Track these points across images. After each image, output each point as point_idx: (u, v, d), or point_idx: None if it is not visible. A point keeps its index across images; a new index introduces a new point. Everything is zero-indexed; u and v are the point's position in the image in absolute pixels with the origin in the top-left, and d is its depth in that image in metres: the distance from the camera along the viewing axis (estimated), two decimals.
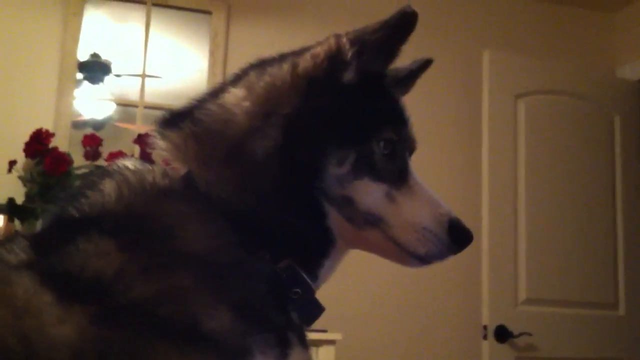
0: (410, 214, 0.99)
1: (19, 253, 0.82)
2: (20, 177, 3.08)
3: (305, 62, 0.99)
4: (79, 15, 3.61)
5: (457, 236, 1.00)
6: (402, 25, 0.98)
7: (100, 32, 3.77)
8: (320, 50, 1.00)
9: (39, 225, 0.90)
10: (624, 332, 3.73)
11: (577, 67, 4.12)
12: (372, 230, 0.99)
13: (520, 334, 3.45)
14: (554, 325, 3.58)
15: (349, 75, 0.98)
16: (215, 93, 1.01)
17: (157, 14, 3.77)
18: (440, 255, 1.00)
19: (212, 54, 3.74)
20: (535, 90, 3.80)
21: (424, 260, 1.00)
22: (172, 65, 3.85)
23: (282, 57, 1.02)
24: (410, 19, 0.98)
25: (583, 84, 3.91)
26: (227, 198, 0.91)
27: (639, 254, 3.85)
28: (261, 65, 1.03)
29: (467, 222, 1.03)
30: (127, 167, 0.92)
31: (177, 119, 0.99)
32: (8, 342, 0.73)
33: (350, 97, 0.98)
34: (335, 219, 0.96)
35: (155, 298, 0.78)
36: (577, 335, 3.63)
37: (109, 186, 0.89)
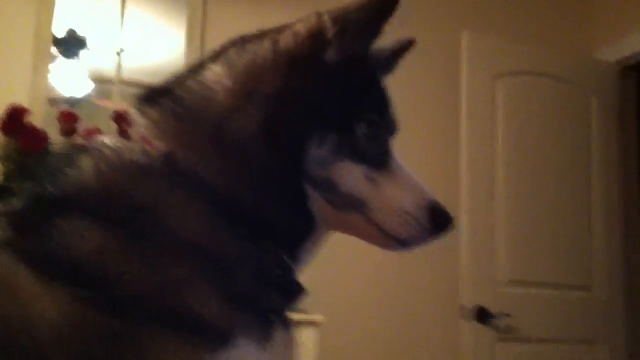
0: (392, 198, 0.98)
1: None
2: None
3: (286, 39, 0.97)
4: None
5: (437, 220, 1.00)
6: (384, 4, 0.97)
7: (76, 7, 3.72)
8: (301, 28, 0.98)
9: (17, 203, 0.88)
10: (598, 312, 3.78)
11: (555, 48, 4.13)
12: (354, 214, 0.98)
13: (499, 315, 3.48)
14: (532, 306, 3.62)
15: (330, 55, 0.96)
16: (195, 70, 0.99)
17: None
18: (421, 240, 1.00)
19: (189, 29, 3.70)
20: (514, 71, 3.80)
21: (405, 244, 1.00)
22: (149, 41, 3.81)
23: (262, 34, 1.00)
24: None
25: (561, 65, 3.93)
26: (209, 178, 0.90)
27: (614, 236, 3.89)
28: (241, 42, 1.01)
29: (446, 204, 1.03)
30: (105, 144, 0.91)
31: (156, 96, 0.97)
32: None
33: (332, 77, 0.97)
34: (317, 201, 0.96)
35: (136, 277, 0.77)
36: (555, 316, 3.66)
37: (86, 163, 0.88)
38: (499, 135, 3.70)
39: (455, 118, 3.73)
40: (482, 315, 3.48)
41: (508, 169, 3.69)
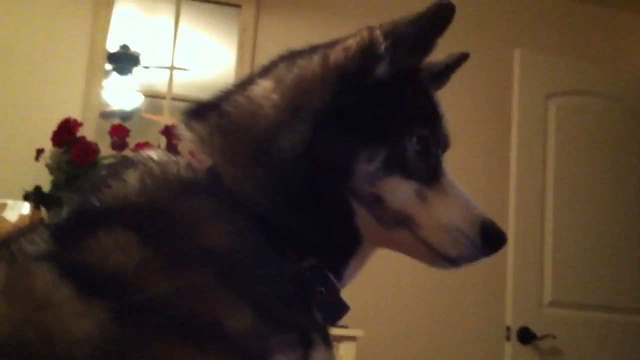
0: (441, 214, 0.96)
1: (40, 243, 0.80)
2: (47, 166, 3.10)
3: (336, 54, 0.96)
4: (108, 6, 3.62)
5: (490, 238, 0.97)
6: (438, 18, 0.95)
7: (130, 24, 3.79)
8: (352, 43, 0.96)
9: (62, 214, 0.89)
10: None
11: (608, 68, 4.06)
12: (402, 231, 0.96)
13: (544, 337, 3.41)
14: (578, 328, 3.54)
15: (382, 69, 0.95)
16: (243, 85, 0.98)
17: (186, 7, 3.78)
18: (471, 258, 0.97)
19: (240, 47, 3.73)
20: (566, 91, 3.75)
21: (454, 262, 0.97)
22: (201, 58, 3.86)
23: (312, 49, 0.99)
24: (446, 11, 0.94)
25: (614, 85, 3.85)
26: (254, 195, 0.89)
27: None
28: (291, 57, 0.99)
29: None
30: (151, 158, 0.90)
31: (203, 111, 0.97)
32: (27, 335, 0.72)
33: (383, 92, 0.95)
34: (363, 218, 0.94)
35: (177, 296, 0.76)
36: (602, 339, 3.57)
37: (132, 177, 0.87)
38: (550, 155, 3.64)
39: (506, 136, 3.68)
40: (526, 336, 3.41)
41: (558, 189, 3.62)
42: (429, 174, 0.97)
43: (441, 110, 1.02)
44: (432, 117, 1.00)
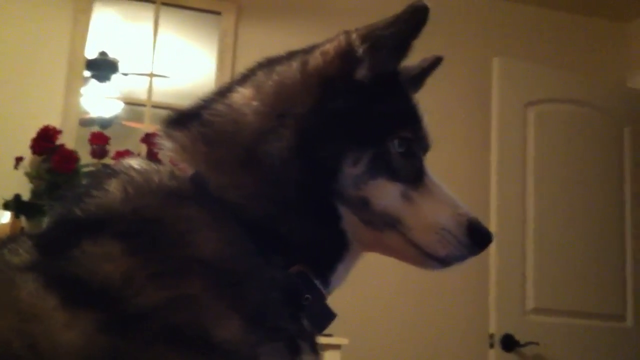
0: (428, 215, 0.96)
1: (23, 254, 0.80)
2: (26, 174, 3.08)
3: (315, 59, 0.97)
4: (87, 13, 3.60)
5: (477, 237, 0.98)
6: (413, 20, 0.95)
7: (109, 31, 3.77)
8: (329, 48, 0.97)
9: (45, 223, 0.88)
10: (631, 344, 3.70)
11: (588, 76, 4.10)
12: (390, 233, 0.96)
13: (527, 344, 3.42)
14: (562, 335, 3.55)
15: (361, 73, 0.96)
16: (222, 93, 0.98)
17: (166, 14, 3.77)
18: (460, 257, 0.98)
19: (220, 54, 3.73)
20: (546, 99, 3.77)
21: (443, 262, 0.98)
22: (181, 65, 3.85)
23: (290, 56, 1.00)
24: (421, 13, 0.95)
25: (594, 93, 3.88)
26: (241, 202, 0.88)
27: None
28: (269, 64, 1.00)
29: None
30: (132, 167, 0.90)
31: (184, 120, 0.97)
32: (13, 346, 0.71)
33: (364, 95, 0.96)
34: (350, 222, 0.94)
35: (166, 306, 0.75)
36: (584, 346, 3.59)
37: (114, 186, 0.87)
38: (530, 163, 3.66)
39: (486, 145, 3.70)
40: (509, 343, 3.42)
41: (538, 197, 3.64)
42: (413, 175, 0.98)
43: (421, 111, 1.03)
44: (413, 119, 1.01)
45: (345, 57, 0.95)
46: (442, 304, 3.75)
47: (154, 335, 0.74)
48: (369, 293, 3.55)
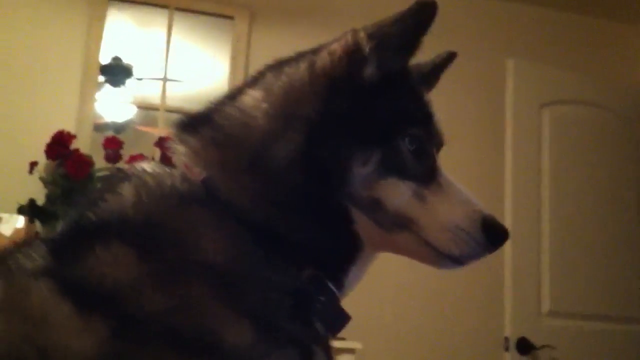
0: (441, 213, 0.95)
1: (37, 259, 0.80)
2: (41, 179, 3.09)
3: (322, 59, 0.96)
4: (102, 18, 3.62)
5: (492, 234, 0.96)
6: (420, 16, 0.94)
7: (123, 36, 3.78)
8: (337, 47, 0.96)
9: (59, 227, 0.88)
10: None
11: (602, 77, 4.08)
12: (402, 233, 0.94)
13: (543, 347, 3.40)
14: (578, 338, 3.53)
15: (369, 71, 0.94)
16: (233, 96, 0.98)
17: (179, 19, 3.78)
18: (475, 255, 0.96)
19: (233, 58, 3.73)
20: (560, 100, 3.75)
21: (458, 261, 0.96)
22: (194, 69, 3.86)
23: (299, 57, 0.99)
24: (429, 8, 0.94)
25: (607, 94, 3.86)
26: (250, 206, 0.88)
27: None
28: (278, 65, 0.99)
29: None
30: (145, 171, 0.90)
31: (195, 123, 0.97)
32: (25, 352, 0.71)
33: (373, 94, 0.94)
34: (362, 223, 0.92)
35: (176, 311, 0.76)
36: (601, 349, 3.56)
37: (127, 190, 0.87)
38: (545, 164, 3.64)
39: (501, 146, 3.68)
40: (524, 347, 3.40)
41: (553, 199, 3.62)
42: (426, 174, 0.96)
43: (432, 109, 1.01)
44: (423, 116, 1.00)
45: (353, 56, 0.94)
46: (456, 307, 3.73)
47: (163, 341, 0.73)
48: (383, 297, 3.55)
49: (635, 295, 3.70)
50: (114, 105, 3.72)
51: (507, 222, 3.50)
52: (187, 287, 0.78)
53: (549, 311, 3.52)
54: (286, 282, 0.86)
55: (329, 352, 0.89)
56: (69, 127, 3.27)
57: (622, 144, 3.83)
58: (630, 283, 3.70)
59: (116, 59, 3.71)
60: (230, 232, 0.85)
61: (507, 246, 3.41)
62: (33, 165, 3.08)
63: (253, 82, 0.99)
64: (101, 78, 3.65)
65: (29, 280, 0.77)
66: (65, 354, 0.71)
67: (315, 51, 0.99)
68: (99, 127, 3.60)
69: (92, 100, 3.57)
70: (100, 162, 3.16)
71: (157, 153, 3.19)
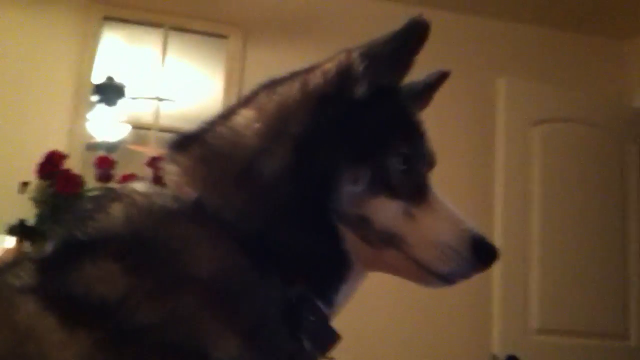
0: (430, 231, 0.94)
1: (24, 277, 0.80)
2: (32, 199, 3.08)
3: (315, 79, 0.96)
4: (95, 37, 3.63)
5: (482, 253, 0.96)
6: (413, 35, 0.94)
7: (117, 55, 3.79)
8: (331, 66, 0.96)
9: (47, 248, 0.89)
10: None
11: (592, 95, 4.10)
12: (391, 251, 0.94)
13: None
14: (566, 355, 3.52)
15: (360, 89, 0.94)
16: (225, 115, 0.98)
17: (173, 38, 3.79)
18: (463, 274, 0.96)
19: (227, 78, 3.74)
20: (550, 118, 3.77)
21: (446, 279, 0.96)
22: (188, 88, 3.86)
23: (292, 76, 0.99)
24: (421, 28, 0.94)
25: (597, 112, 3.89)
26: (237, 222, 0.87)
27: None
28: (271, 85, 0.99)
29: None
30: (136, 191, 0.90)
31: (187, 143, 0.97)
32: None
33: (363, 112, 0.94)
34: (351, 241, 0.92)
35: (162, 324, 0.76)
36: None
37: (117, 210, 0.87)
38: (535, 182, 3.66)
39: (491, 164, 3.70)
40: None
41: (543, 216, 3.63)
42: (415, 192, 0.96)
43: (423, 128, 1.01)
44: (413, 135, 0.99)
45: (344, 75, 0.94)
46: (444, 324, 3.72)
47: (149, 354, 0.74)
48: (371, 315, 3.53)
49: (622, 312, 3.70)
50: (106, 125, 3.72)
51: (497, 239, 3.51)
52: (174, 301, 0.78)
53: (537, 328, 3.51)
54: (276, 298, 0.85)
55: None
56: (61, 146, 3.26)
57: (612, 162, 3.85)
58: (618, 300, 3.70)
59: (109, 79, 3.71)
60: (219, 247, 0.85)
61: (496, 264, 3.41)
62: (24, 185, 3.07)
63: (246, 101, 0.99)
64: (94, 98, 3.65)
65: (15, 297, 0.78)
66: None
67: (308, 70, 0.99)
68: (91, 147, 3.59)
69: (84, 119, 3.57)
70: (92, 182, 3.15)
71: (149, 172, 3.19)
